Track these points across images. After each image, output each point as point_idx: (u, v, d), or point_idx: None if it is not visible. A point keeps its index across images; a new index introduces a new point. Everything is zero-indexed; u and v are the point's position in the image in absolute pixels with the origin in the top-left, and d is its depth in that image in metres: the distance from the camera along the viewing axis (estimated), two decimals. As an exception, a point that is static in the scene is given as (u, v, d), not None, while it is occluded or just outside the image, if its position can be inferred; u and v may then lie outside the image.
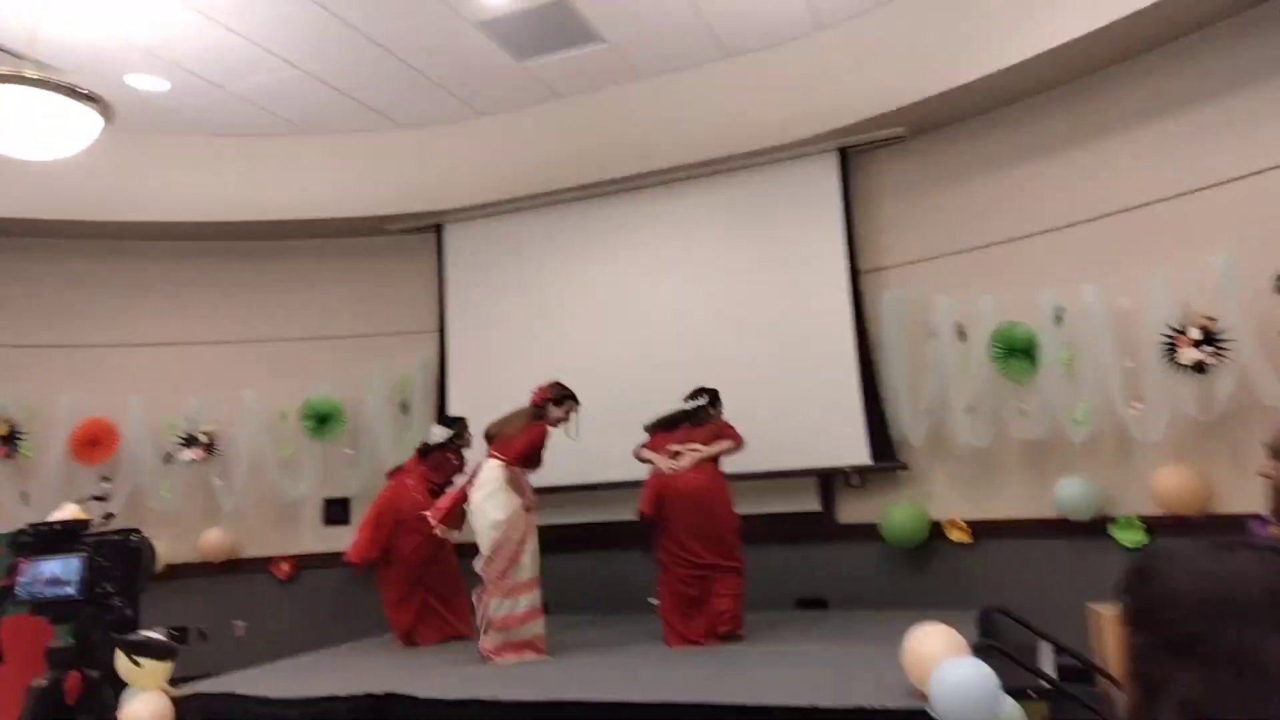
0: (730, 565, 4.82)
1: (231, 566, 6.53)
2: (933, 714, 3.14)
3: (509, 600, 4.68)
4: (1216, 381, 4.28)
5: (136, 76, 5.58)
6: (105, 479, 6.32)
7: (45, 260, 6.59)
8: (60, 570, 1.67)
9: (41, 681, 1.72)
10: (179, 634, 1.77)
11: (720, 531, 4.84)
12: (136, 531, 1.74)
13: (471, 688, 4.03)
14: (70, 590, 1.66)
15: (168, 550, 6.26)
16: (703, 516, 4.82)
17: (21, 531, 1.75)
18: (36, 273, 6.57)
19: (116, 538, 1.71)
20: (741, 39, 5.65)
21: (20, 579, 1.70)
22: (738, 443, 4.98)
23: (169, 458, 6.51)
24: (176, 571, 6.29)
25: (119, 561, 1.70)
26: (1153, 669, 1.08)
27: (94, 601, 1.67)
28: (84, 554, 1.67)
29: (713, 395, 5.18)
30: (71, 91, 4.35)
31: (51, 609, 1.70)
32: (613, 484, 5.91)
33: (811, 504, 5.79)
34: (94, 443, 6.30)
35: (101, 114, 4.53)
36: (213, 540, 6.48)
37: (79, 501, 5.22)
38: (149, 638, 1.74)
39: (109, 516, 5.37)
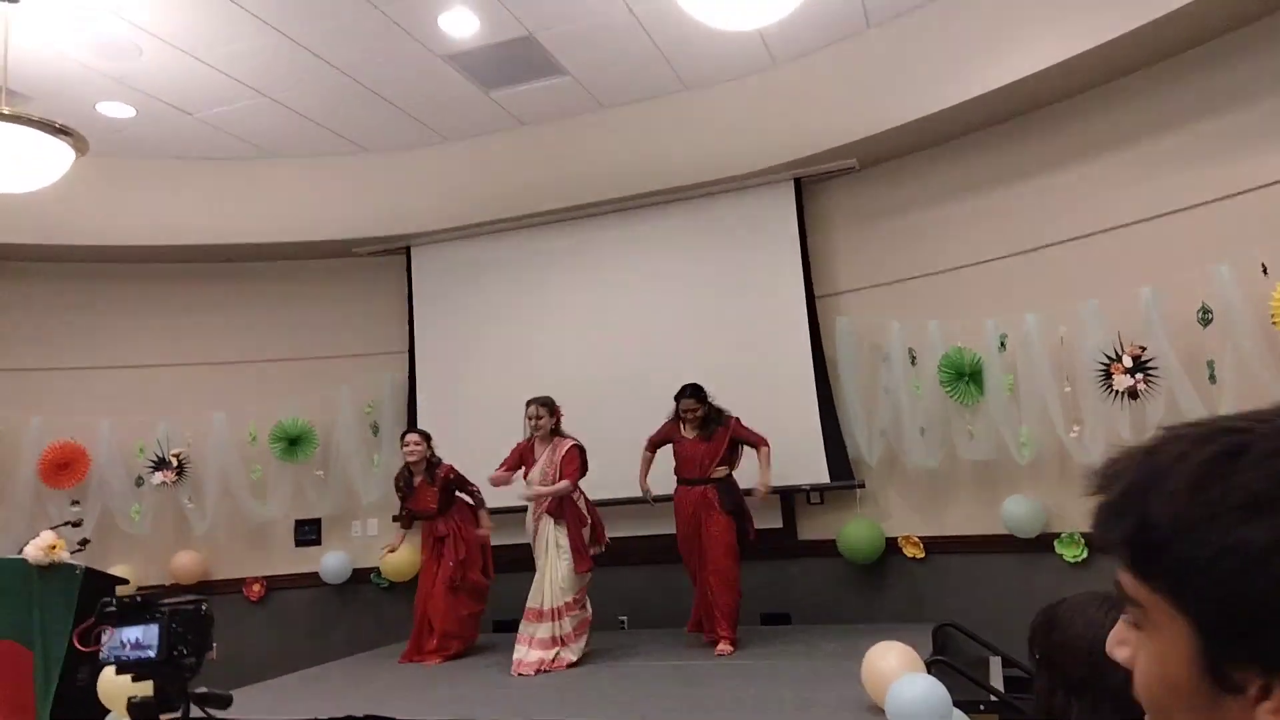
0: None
1: (203, 588, 6.58)
2: (888, 728, 3.35)
3: None
4: (1148, 406, 4.57)
5: (108, 104, 5.65)
6: (75, 503, 6.37)
7: (14, 284, 6.60)
8: (141, 636, 1.93)
9: None
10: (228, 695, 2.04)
11: None
12: (205, 600, 1.99)
13: (452, 708, 4.18)
14: (151, 653, 1.92)
15: (139, 572, 6.34)
16: None
17: (106, 601, 1.99)
18: (5, 297, 6.58)
19: (189, 607, 1.96)
20: (699, 73, 5.86)
21: (107, 644, 1.96)
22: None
23: (140, 480, 6.55)
24: (146, 593, 6.34)
25: (191, 627, 1.96)
26: (1054, 703, 1.32)
27: (170, 662, 1.93)
28: (160, 621, 1.93)
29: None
30: (47, 127, 4.44)
31: (134, 668, 1.96)
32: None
33: (774, 521, 6.00)
34: (64, 466, 6.33)
35: (75, 148, 4.62)
36: (184, 562, 6.54)
37: (54, 529, 5.29)
38: (212, 691, 2.00)
39: (84, 543, 5.46)
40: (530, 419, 5.27)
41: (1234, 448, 0.62)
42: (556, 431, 5.29)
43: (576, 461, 5.20)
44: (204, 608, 2.01)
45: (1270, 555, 0.58)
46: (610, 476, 5.70)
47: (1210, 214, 4.54)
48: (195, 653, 1.97)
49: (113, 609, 2.01)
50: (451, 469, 5.69)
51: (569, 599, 5.07)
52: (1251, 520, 0.59)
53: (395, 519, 6.05)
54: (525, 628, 5.07)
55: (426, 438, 5.73)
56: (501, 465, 5.30)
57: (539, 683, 4.73)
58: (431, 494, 5.63)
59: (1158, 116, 4.78)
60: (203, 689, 2.02)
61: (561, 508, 5.15)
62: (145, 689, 2.01)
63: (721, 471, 5.21)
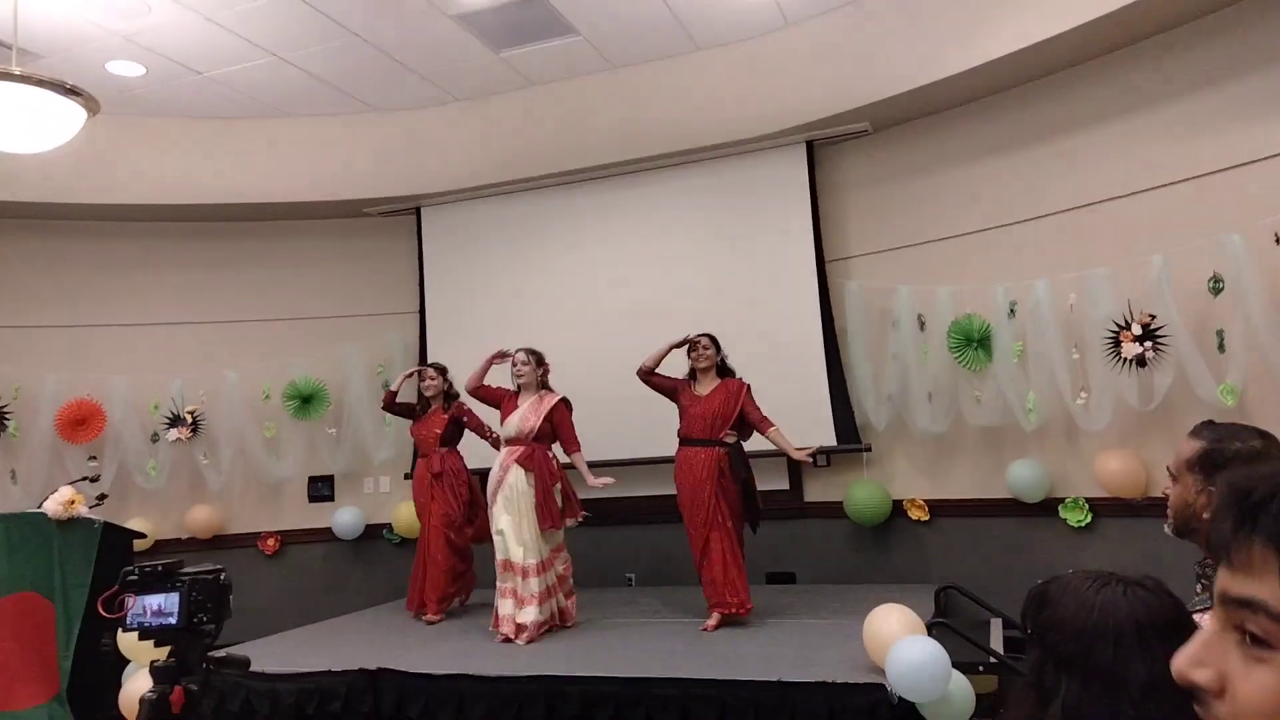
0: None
1: (219, 542, 6.72)
2: (890, 688, 3.43)
3: None
4: (1156, 375, 4.58)
5: (118, 63, 5.64)
6: (92, 458, 6.48)
7: (28, 242, 6.65)
8: (163, 603, 2.02)
9: (150, 694, 2.02)
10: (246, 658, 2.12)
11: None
12: (223, 570, 2.06)
13: (461, 663, 4.29)
14: (172, 620, 2.01)
15: (155, 527, 6.47)
16: None
17: (129, 571, 2.07)
18: (19, 254, 6.64)
19: (208, 576, 2.04)
20: (711, 33, 5.80)
21: (131, 611, 2.04)
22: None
23: (155, 437, 6.65)
24: (164, 547, 6.48)
25: (210, 595, 2.04)
26: (1044, 679, 1.36)
27: (190, 629, 2.02)
28: (181, 589, 2.02)
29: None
30: (57, 87, 4.45)
31: (156, 635, 2.05)
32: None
33: (781, 483, 6.06)
34: (81, 422, 6.43)
35: (85, 107, 4.63)
36: (200, 517, 6.66)
37: (72, 484, 5.40)
38: (230, 654, 2.09)
39: (102, 497, 5.57)
40: (516, 367, 5.20)
41: None
42: (544, 385, 5.24)
43: (570, 420, 5.15)
44: (223, 576, 2.08)
45: None
46: (620, 437, 5.76)
47: (1223, 182, 4.51)
48: (214, 620, 2.05)
49: (135, 577, 2.08)
50: (464, 406, 5.70)
51: (544, 556, 4.97)
52: None
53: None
54: (503, 580, 4.95)
55: (442, 371, 5.82)
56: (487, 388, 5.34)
57: (545, 638, 4.83)
58: (440, 421, 5.68)
59: (1171, 82, 4.73)
60: (222, 653, 2.10)
61: (533, 459, 5.02)
62: (166, 653, 2.09)
63: (732, 436, 5.00)
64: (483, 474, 5.47)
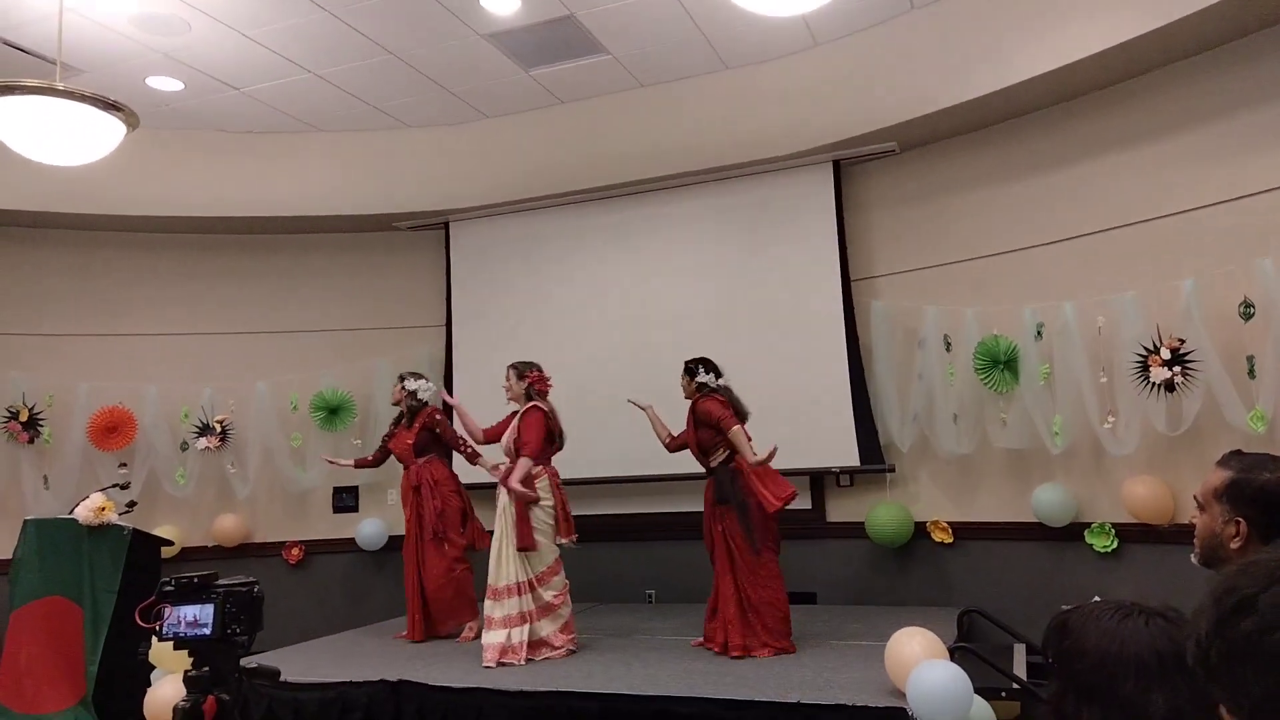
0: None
1: (244, 551, 6.79)
2: (910, 712, 3.41)
3: None
4: (1184, 400, 4.53)
5: (157, 79, 5.76)
6: (123, 465, 6.58)
7: (65, 253, 6.79)
8: (198, 614, 2.06)
9: (184, 703, 2.07)
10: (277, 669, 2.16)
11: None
12: (256, 583, 2.10)
13: (481, 676, 4.30)
14: (206, 631, 2.05)
15: (183, 534, 6.55)
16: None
17: (165, 581, 2.12)
18: (56, 265, 6.78)
19: (242, 589, 2.08)
20: (740, 53, 5.84)
21: (167, 621, 2.08)
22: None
23: (184, 445, 6.74)
24: (191, 554, 6.57)
25: (244, 608, 2.08)
26: (1065, 708, 1.35)
27: (224, 640, 2.06)
28: (216, 601, 2.06)
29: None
30: (99, 102, 4.56)
31: (190, 645, 2.09)
32: (602, 480, 6.20)
33: (803, 502, 6.03)
34: (112, 430, 6.53)
35: (126, 122, 4.73)
36: (227, 525, 6.73)
37: (103, 490, 5.49)
38: (261, 665, 2.13)
39: (132, 504, 5.65)
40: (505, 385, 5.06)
41: None
42: (530, 397, 5.01)
43: (534, 429, 4.86)
44: (256, 589, 2.12)
45: None
46: (641, 454, 5.77)
47: (1254, 207, 4.47)
48: (248, 631, 2.09)
49: (171, 588, 2.13)
50: (435, 412, 5.59)
51: (526, 578, 4.76)
52: None
53: None
54: (485, 608, 4.83)
55: (402, 378, 5.67)
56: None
57: (566, 658, 4.81)
58: (408, 434, 5.57)
59: (1203, 106, 4.70)
60: (254, 664, 2.13)
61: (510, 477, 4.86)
62: (192, 662, 2.13)
63: (719, 456, 4.75)
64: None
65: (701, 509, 4.94)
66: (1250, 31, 4.46)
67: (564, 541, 4.90)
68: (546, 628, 4.79)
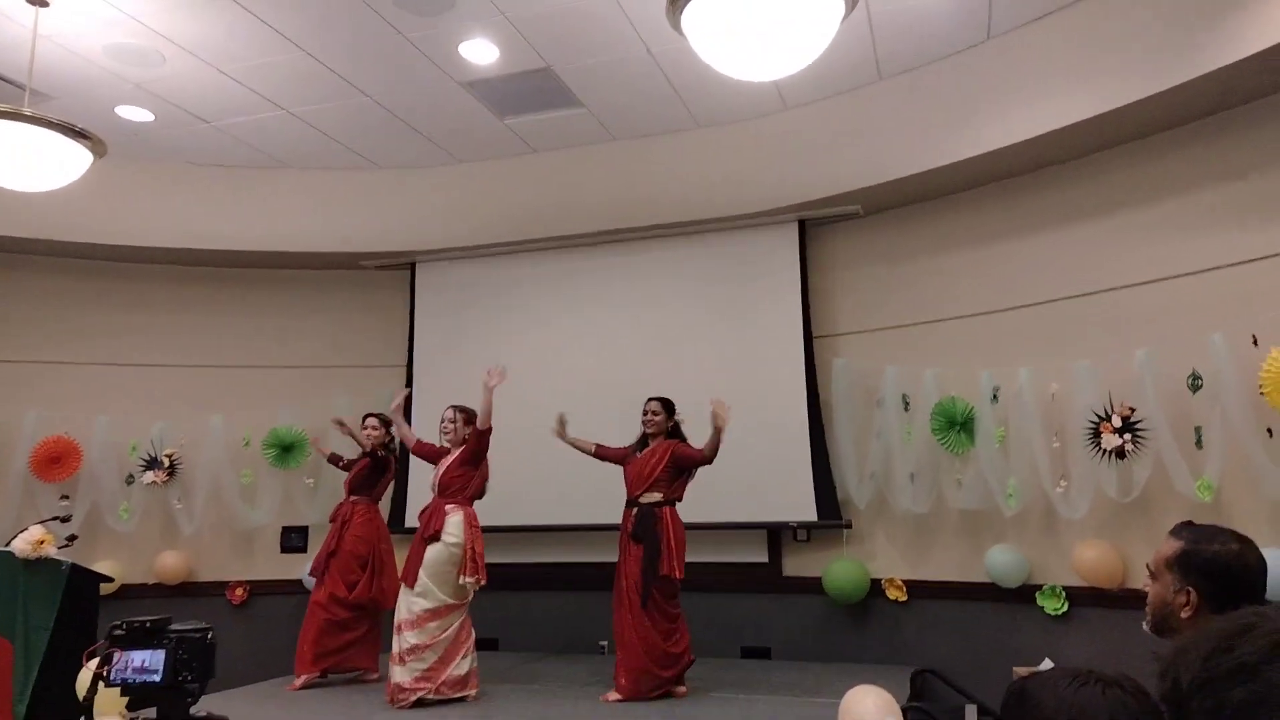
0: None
1: (186, 590, 6.60)
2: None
3: None
4: (1135, 467, 4.64)
5: (127, 108, 5.73)
6: (64, 497, 6.39)
7: (22, 278, 6.66)
8: (148, 660, 1.98)
9: None
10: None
11: None
12: (210, 630, 2.03)
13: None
14: (156, 678, 1.97)
15: (123, 570, 6.35)
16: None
17: (116, 625, 2.04)
18: (12, 290, 6.63)
19: (195, 635, 2.01)
20: (712, 112, 5.96)
21: (115, 666, 2.00)
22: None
23: (130, 479, 6.57)
24: (130, 592, 6.36)
25: (196, 654, 2.01)
26: None
27: (174, 687, 1.99)
28: (168, 647, 1.98)
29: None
30: (66, 129, 4.52)
31: (139, 691, 2.01)
32: (570, 526, 6.15)
33: (759, 556, 6.05)
34: (56, 460, 6.36)
35: (93, 150, 4.70)
36: (169, 562, 6.55)
37: (42, 523, 5.31)
38: (211, 714, 2.05)
39: (72, 538, 5.45)
40: (444, 424, 5.08)
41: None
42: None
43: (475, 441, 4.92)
44: (210, 636, 2.07)
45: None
46: (601, 503, 5.73)
47: (1208, 282, 4.63)
48: (199, 679, 2.03)
49: (122, 632, 2.06)
50: (381, 446, 5.60)
51: (414, 615, 4.69)
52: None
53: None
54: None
55: (386, 423, 5.67)
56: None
57: (507, 705, 4.72)
58: (360, 465, 5.61)
59: (1160, 183, 4.88)
60: (203, 713, 2.07)
61: (423, 514, 4.92)
62: (148, 711, 2.06)
63: (651, 497, 4.86)
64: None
65: None
66: (1210, 112, 4.65)
67: (468, 580, 4.76)
68: (401, 674, 4.67)
